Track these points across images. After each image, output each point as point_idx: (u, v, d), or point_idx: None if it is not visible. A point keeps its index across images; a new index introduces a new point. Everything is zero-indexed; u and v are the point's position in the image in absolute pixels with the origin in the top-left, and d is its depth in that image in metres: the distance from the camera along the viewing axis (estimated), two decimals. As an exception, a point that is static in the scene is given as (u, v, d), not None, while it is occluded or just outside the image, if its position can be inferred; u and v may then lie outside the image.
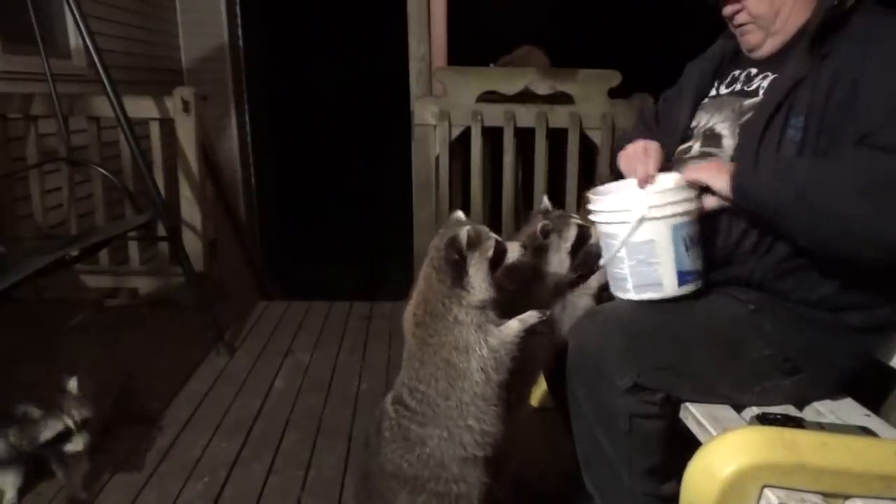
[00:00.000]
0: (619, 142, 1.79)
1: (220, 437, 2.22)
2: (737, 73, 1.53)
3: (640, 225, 1.34)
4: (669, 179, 1.43)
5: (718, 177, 1.32)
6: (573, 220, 1.62)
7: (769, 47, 1.44)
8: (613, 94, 3.44)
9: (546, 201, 1.77)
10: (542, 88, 3.46)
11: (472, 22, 4.85)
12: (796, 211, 1.23)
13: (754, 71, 1.49)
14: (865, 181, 1.19)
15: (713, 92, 1.57)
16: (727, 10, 1.45)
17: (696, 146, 1.52)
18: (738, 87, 1.51)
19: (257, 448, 2.15)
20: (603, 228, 1.44)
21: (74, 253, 2.33)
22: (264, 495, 1.91)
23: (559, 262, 1.60)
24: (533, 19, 6.85)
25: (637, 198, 1.37)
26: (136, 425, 2.24)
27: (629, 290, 1.42)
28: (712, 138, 1.49)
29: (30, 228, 3.41)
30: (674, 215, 1.34)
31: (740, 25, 1.46)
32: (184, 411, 2.38)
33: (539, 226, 1.56)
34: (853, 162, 1.23)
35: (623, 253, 1.39)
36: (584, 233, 1.59)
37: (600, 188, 1.57)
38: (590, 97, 3.44)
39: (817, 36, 1.33)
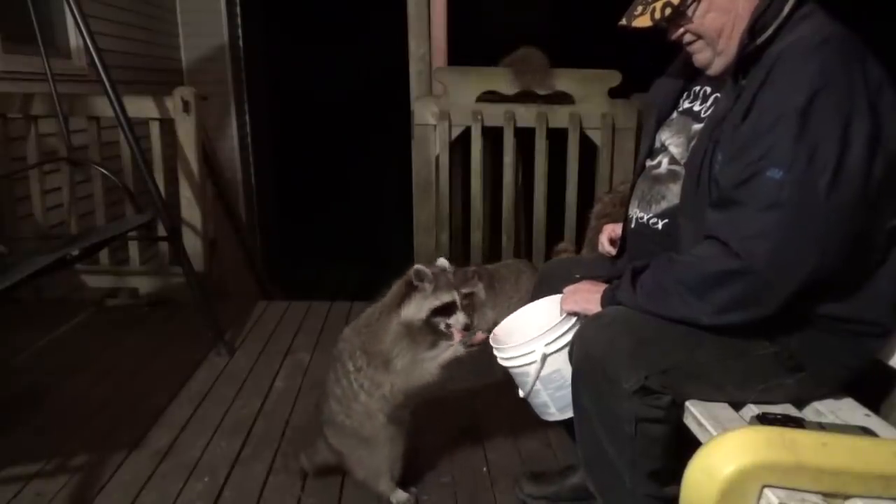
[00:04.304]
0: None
1: (220, 437, 2.22)
2: (697, 88, 1.58)
3: (544, 361, 1.50)
4: (556, 310, 1.57)
5: (591, 302, 1.48)
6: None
7: (718, 66, 1.46)
8: (613, 94, 3.44)
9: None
10: (542, 88, 3.46)
11: (472, 22, 4.85)
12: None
13: (709, 90, 1.53)
14: (692, 285, 1.31)
15: (680, 107, 1.62)
16: (673, 32, 1.46)
17: (665, 162, 1.58)
18: (696, 106, 1.56)
19: (257, 448, 2.15)
20: (513, 370, 1.59)
21: (75, 253, 2.33)
22: (264, 495, 1.91)
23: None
24: (533, 19, 6.86)
25: (535, 340, 1.51)
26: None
27: (554, 413, 1.59)
28: (674, 158, 1.56)
29: (30, 228, 3.41)
30: (569, 342, 1.48)
31: (689, 45, 1.47)
32: (184, 411, 2.38)
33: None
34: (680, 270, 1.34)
35: (539, 386, 1.54)
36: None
37: (502, 324, 1.73)
38: (590, 97, 3.44)
39: (738, 69, 1.37)
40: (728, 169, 1.31)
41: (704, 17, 1.40)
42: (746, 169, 1.26)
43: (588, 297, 1.50)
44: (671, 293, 1.34)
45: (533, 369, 1.52)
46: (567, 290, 1.58)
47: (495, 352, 1.62)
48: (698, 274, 1.31)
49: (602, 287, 1.50)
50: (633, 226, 1.65)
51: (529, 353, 1.52)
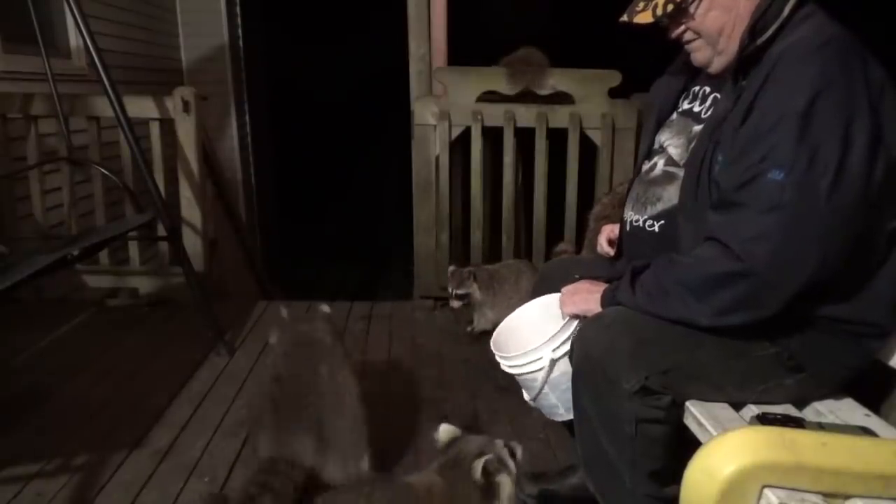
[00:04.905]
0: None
1: (220, 437, 2.22)
2: (696, 88, 1.57)
3: (553, 366, 1.52)
4: (552, 309, 1.60)
5: (591, 302, 1.48)
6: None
7: (718, 65, 1.46)
8: (613, 94, 3.44)
9: None
10: (542, 88, 3.46)
11: (472, 22, 4.85)
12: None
13: (708, 90, 1.53)
14: (693, 286, 1.31)
15: (679, 108, 1.61)
16: (674, 31, 1.46)
17: (661, 164, 1.58)
18: (695, 106, 1.55)
19: (257, 448, 2.15)
20: (521, 377, 1.59)
21: (75, 253, 2.33)
22: (264, 495, 1.91)
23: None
24: (533, 19, 6.86)
25: (542, 346, 1.51)
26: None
27: (563, 413, 1.60)
28: (671, 160, 1.55)
29: (30, 228, 3.41)
30: None
31: (688, 43, 1.47)
32: (184, 411, 2.38)
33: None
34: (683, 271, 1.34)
35: (547, 389, 1.56)
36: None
37: (500, 329, 1.71)
38: (590, 97, 3.44)
39: (738, 70, 1.37)
40: (729, 171, 1.31)
41: (706, 16, 1.40)
42: (747, 171, 1.26)
43: (588, 297, 1.50)
44: (671, 294, 1.34)
45: (541, 375, 1.53)
46: (565, 291, 1.58)
47: (499, 360, 1.61)
48: (699, 275, 1.31)
49: (601, 287, 1.50)
50: (628, 228, 1.65)
51: (537, 360, 1.52)
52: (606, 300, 1.46)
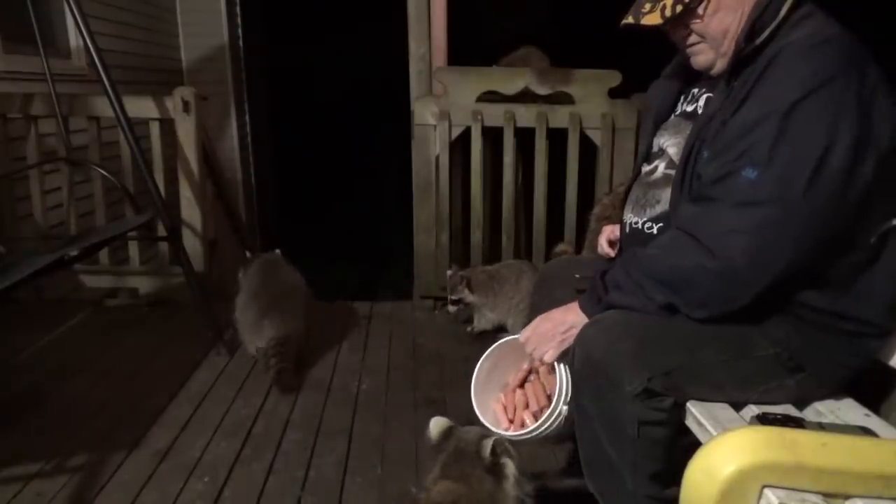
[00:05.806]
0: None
1: (220, 437, 2.22)
2: (695, 90, 1.57)
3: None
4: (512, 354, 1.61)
5: (570, 337, 1.45)
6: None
7: (720, 67, 1.45)
8: (613, 94, 3.44)
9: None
10: (542, 88, 3.46)
11: (472, 22, 4.85)
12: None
13: (705, 90, 1.52)
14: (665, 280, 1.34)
15: (678, 109, 1.61)
16: (678, 33, 1.45)
17: (661, 167, 1.57)
18: (690, 107, 1.55)
19: (257, 448, 2.15)
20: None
21: (74, 253, 2.33)
22: (264, 495, 1.91)
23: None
24: (533, 19, 6.86)
25: (557, 402, 1.46)
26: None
27: None
28: (672, 162, 1.55)
29: (30, 228, 3.41)
30: None
31: (691, 46, 1.46)
32: (184, 411, 2.38)
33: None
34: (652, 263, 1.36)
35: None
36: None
37: (479, 410, 1.63)
38: (590, 97, 3.44)
39: (732, 71, 1.37)
40: (711, 164, 1.32)
41: (713, 17, 1.38)
42: (724, 167, 1.28)
43: (564, 339, 1.47)
44: (645, 287, 1.36)
45: (560, 419, 1.49)
46: (529, 340, 1.52)
47: (519, 435, 1.52)
48: (667, 266, 1.34)
49: (566, 317, 1.48)
50: (627, 230, 1.65)
51: (557, 416, 1.48)
52: (590, 311, 1.45)
